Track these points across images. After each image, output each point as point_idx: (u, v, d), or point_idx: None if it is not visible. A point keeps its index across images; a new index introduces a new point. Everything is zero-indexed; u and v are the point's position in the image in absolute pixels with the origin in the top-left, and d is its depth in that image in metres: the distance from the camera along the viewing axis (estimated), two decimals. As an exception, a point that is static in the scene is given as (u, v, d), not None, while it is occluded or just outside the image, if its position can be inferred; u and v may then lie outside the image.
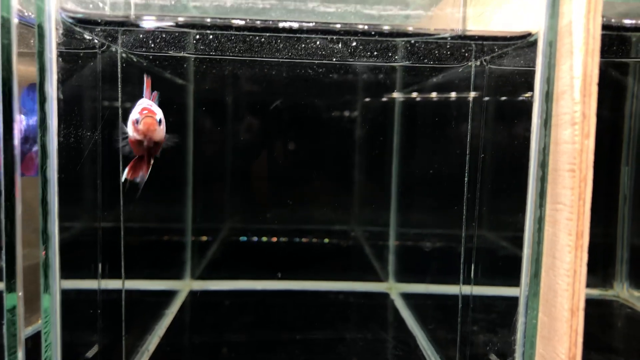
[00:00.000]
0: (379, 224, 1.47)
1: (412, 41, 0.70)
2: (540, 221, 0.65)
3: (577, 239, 0.59)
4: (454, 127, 1.11)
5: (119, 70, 0.81)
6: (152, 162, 0.72)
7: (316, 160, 1.43)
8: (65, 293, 0.71)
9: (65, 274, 0.74)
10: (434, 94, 1.24)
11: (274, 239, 1.46)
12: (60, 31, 0.61)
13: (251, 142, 1.40)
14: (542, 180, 0.64)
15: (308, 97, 1.36)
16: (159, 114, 0.67)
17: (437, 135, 1.26)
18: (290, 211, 1.46)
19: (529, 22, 0.67)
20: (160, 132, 0.67)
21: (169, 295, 1.30)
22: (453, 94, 1.11)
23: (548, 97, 0.63)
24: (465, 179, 0.98)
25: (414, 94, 1.33)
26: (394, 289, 1.39)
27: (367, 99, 1.38)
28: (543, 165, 0.64)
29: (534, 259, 0.65)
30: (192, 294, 1.35)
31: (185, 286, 1.37)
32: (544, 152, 0.64)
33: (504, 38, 0.67)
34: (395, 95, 1.38)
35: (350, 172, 1.44)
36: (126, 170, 0.72)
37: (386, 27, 0.66)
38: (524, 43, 0.67)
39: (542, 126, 0.64)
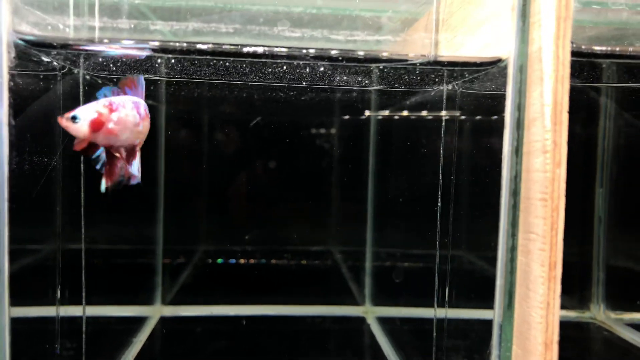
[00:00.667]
0: (356, 245, 1.45)
1: (381, 66, 0.69)
2: (512, 251, 0.63)
3: (550, 270, 0.57)
4: (428, 147, 1.10)
5: (81, 93, 0.78)
6: (136, 152, 0.67)
7: (292, 180, 1.41)
8: (17, 321, 0.67)
9: (19, 300, 0.70)
10: (408, 115, 1.23)
11: (252, 261, 1.43)
12: (13, 54, 0.58)
13: (225, 161, 1.37)
14: (514, 208, 0.62)
15: (283, 117, 1.34)
16: (92, 110, 0.61)
17: (411, 156, 1.25)
18: (265, 232, 1.43)
19: (500, 47, 0.66)
20: (110, 130, 0.63)
21: (138, 322, 1.25)
22: (427, 116, 1.10)
23: (519, 124, 0.62)
24: (439, 199, 0.97)
25: (389, 115, 1.32)
26: (371, 312, 1.36)
27: (342, 120, 1.37)
28: (515, 193, 0.62)
29: (507, 289, 0.63)
30: (163, 320, 1.30)
31: (155, 312, 1.33)
32: (516, 180, 0.62)
33: (475, 64, 0.66)
34: (370, 115, 1.37)
35: (327, 192, 1.42)
36: (103, 181, 0.68)
37: (356, 53, 0.65)
38: (495, 68, 0.66)
39: (514, 154, 0.62)
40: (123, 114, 0.63)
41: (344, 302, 1.41)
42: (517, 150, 0.62)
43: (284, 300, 1.39)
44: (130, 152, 0.67)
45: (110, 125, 0.62)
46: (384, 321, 1.29)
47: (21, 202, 0.64)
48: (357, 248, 1.45)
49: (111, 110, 0.62)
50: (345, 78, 0.76)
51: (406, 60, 0.70)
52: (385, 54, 0.71)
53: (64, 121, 0.60)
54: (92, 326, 1.07)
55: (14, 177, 0.61)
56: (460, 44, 0.79)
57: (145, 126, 0.66)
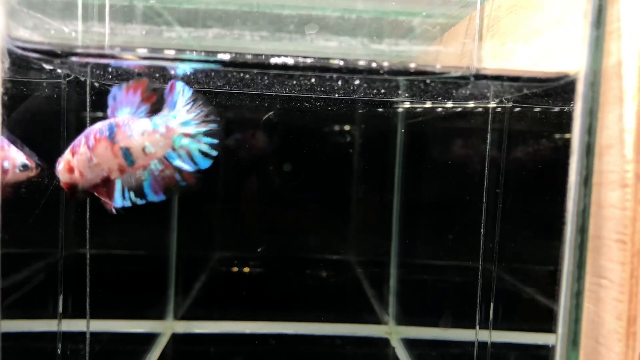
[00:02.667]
0: (379, 258, 1.37)
1: (428, 81, 0.61)
2: (578, 296, 0.54)
3: (629, 325, 0.49)
4: (463, 156, 1.02)
5: (88, 103, 0.71)
6: (110, 184, 0.63)
7: (312, 186, 1.33)
8: (10, 337, 0.61)
9: (12, 313, 0.64)
10: (440, 122, 1.15)
11: (268, 272, 1.35)
12: (7, 64, 0.51)
13: (242, 167, 1.30)
14: (581, 248, 0.54)
15: (302, 119, 1.26)
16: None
17: (443, 165, 1.16)
18: (283, 240, 1.35)
19: (564, 60, 0.57)
20: (77, 174, 0.61)
21: (148, 339, 1.18)
22: (465, 126, 1.02)
23: (589, 150, 0.53)
24: (483, 212, 0.88)
25: (418, 120, 1.23)
26: (395, 333, 1.28)
27: (366, 121, 1.28)
28: (582, 230, 0.54)
29: (570, 340, 0.55)
30: (175, 337, 1.23)
31: (166, 328, 1.26)
32: (584, 215, 0.54)
33: (538, 79, 0.57)
34: (398, 119, 1.28)
35: (349, 200, 1.34)
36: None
37: (389, 65, 0.56)
38: (559, 85, 0.57)
39: (582, 184, 0.53)
40: (81, 154, 0.61)
41: (366, 321, 1.32)
42: (586, 181, 0.53)
43: (302, 318, 1.31)
44: (107, 186, 0.63)
45: (75, 172, 0.61)
46: (410, 344, 1.20)
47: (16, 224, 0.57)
48: (381, 262, 1.37)
49: (73, 154, 0.61)
50: (383, 91, 0.68)
51: (448, 73, 0.62)
52: (420, 65, 0.62)
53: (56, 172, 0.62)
54: (98, 344, 1.00)
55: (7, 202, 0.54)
56: (510, 52, 0.70)
57: (101, 155, 0.60)
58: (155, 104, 0.60)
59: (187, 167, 0.61)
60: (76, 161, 0.59)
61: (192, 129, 0.60)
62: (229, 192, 1.32)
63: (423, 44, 0.92)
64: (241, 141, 1.28)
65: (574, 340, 0.55)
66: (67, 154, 0.60)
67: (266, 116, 1.24)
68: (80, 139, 0.60)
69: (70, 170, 0.60)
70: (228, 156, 1.29)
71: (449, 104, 1.02)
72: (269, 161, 1.29)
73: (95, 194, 0.62)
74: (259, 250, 1.34)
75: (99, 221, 0.93)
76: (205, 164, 0.61)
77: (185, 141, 0.60)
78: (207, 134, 0.60)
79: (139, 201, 0.63)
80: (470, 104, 0.91)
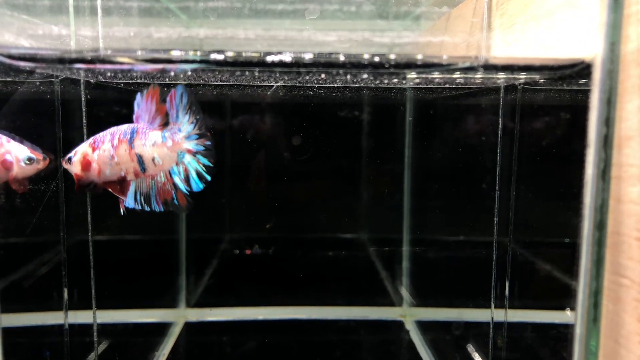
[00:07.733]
0: (392, 235, 1.35)
1: (437, 75, 0.58)
2: (596, 295, 0.52)
3: (651, 328, 0.46)
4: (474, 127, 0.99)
5: (83, 103, 0.69)
6: (127, 183, 0.66)
7: (324, 162, 1.30)
8: (12, 332, 0.62)
9: (14, 306, 0.64)
10: (452, 97, 1.11)
11: (281, 252, 1.33)
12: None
13: (252, 142, 1.27)
14: (599, 245, 0.51)
15: (311, 89, 1.23)
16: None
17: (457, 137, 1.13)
18: (292, 220, 1.33)
19: (578, 45, 0.54)
20: (94, 169, 0.62)
21: (160, 329, 1.18)
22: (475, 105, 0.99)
23: (607, 142, 0.50)
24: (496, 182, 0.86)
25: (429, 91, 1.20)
26: (409, 315, 1.26)
27: (374, 95, 1.25)
28: (600, 226, 0.51)
29: (588, 341, 0.53)
30: (188, 326, 1.23)
31: (179, 317, 1.26)
32: (602, 210, 0.51)
33: (550, 67, 0.54)
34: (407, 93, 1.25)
35: (359, 179, 1.32)
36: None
37: (394, 57, 0.53)
38: (573, 72, 0.54)
39: (599, 178, 0.51)
40: (104, 150, 0.62)
41: (379, 302, 1.31)
42: (604, 174, 0.51)
43: (314, 301, 1.30)
44: (122, 185, 0.64)
45: (94, 165, 0.62)
46: (425, 327, 1.19)
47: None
48: (394, 241, 1.34)
49: (94, 149, 0.62)
50: (386, 82, 0.66)
51: (454, 65, 0.59)
52: (425, 57, 0.59)
53: (64, 162, 0.62)
54: (107, 336, 0.99)
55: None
56: (520, 32, 0.67)
57: (121, 156, 0.62)
58: (166, 116, 0.62)
59: (182, 187, 0.63)
60: (97, 156, 0.61)
61: (193, 145, 0.62)
62: (239, 172, 1.30)
63: (429, 20, 0.89)
64: (249, 120, 1.26)
65: (591, 341, 0.53)
66: (85, 147, 0.62)
67: (275, 85, 1.21)
68: (105, 136, 0.62)
69: (87, 163, 0.61)
70: (236, 136, 1.27)
71: (457, 75, 0.99)
72: (278, 139, 1.27)
73: (110, 189, 0.64)
74: (267, 226, 1.32)
75: (102, 206, 0.92)
76: (198, 187, 0.63)
77: (187, 159, 0.63)
78: (204, 152, 0.62)
79: (146, 207, 0.65)
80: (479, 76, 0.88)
